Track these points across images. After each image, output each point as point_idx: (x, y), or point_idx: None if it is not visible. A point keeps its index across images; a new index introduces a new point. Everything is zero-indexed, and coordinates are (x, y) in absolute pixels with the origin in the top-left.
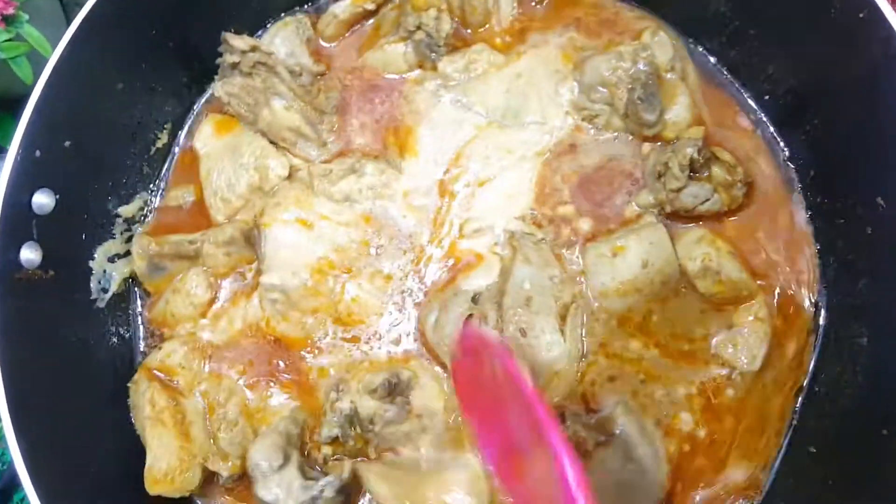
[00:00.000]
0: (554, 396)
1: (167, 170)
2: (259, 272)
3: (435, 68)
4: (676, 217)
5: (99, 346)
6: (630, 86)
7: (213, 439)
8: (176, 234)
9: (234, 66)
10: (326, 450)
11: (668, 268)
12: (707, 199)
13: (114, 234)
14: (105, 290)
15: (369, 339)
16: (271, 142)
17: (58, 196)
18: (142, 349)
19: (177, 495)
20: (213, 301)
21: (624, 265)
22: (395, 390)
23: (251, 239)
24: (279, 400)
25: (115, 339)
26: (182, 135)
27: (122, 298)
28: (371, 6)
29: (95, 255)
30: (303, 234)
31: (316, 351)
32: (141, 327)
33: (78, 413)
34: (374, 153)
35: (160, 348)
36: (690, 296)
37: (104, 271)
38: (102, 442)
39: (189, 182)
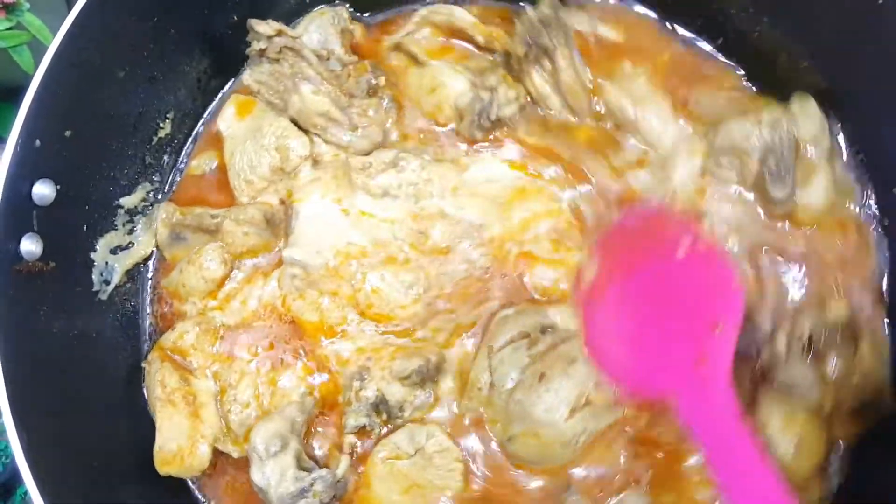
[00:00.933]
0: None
1: (174, 157)
2: (277, 248)
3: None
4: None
5: (101, 339)
6: (762, 156)
7: (225, 421)
8: (200, 207)
9: (262, 53)
10: (351, 438)
11: None
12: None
13: (116, 226)
14: (107, 282)
15: (388, 325)
16: (297, 126)
17: (58, 186)
18: (147, 335)
19: (186, 476)
20: (225, 279)
21: None
22: (426, 375)
23: (273, 221)
24: (290, 384)
25: (117, 332)
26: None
27: (125, 291)
28: None
29: (97, 247)
30: (340, 218)
31: (332, 335)
32: (148, 316)
33: (79, 407)
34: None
35: (173, 329)
36: None
37: (106, 263)
38: (105, 435)
39: (213, 149)
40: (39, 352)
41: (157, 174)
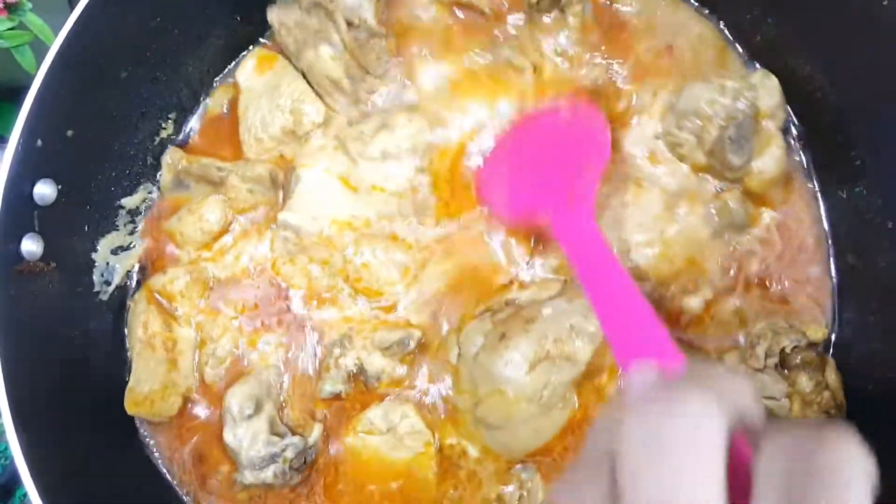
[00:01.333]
0: None
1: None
2: (278, 209)
3: None
4: None
5: (102, 340)
6: (724, 123)
7: (199, 373)
8: (207, 157)
9: None
10: (322, 406)
11: None
12: (773, 398)
13: (117, 226)
14: (108, 283)
15: (379, 300)
16: (311, 86)
17: (60, 186)
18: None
19: (154, 419)
20: (223, 233)
21: None
22: (407, 350)
23: (277, 181)
24: (270, 347)
25: (118, 332)
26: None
27: (126, 291)
28: None
29: (98, 247)
30: (344, 191)
31: (317, 302)
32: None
33: (80, 408)
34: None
35: (164, 272)
36: None
37: (107, 263)
38: (104, 439)
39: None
40: (40, 352)
41: (159, 175)
